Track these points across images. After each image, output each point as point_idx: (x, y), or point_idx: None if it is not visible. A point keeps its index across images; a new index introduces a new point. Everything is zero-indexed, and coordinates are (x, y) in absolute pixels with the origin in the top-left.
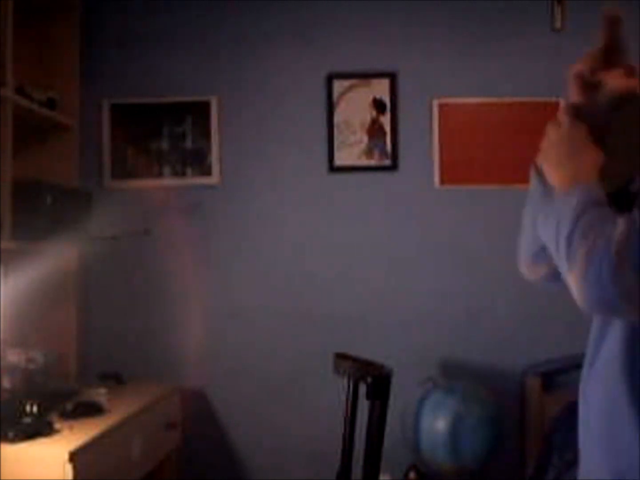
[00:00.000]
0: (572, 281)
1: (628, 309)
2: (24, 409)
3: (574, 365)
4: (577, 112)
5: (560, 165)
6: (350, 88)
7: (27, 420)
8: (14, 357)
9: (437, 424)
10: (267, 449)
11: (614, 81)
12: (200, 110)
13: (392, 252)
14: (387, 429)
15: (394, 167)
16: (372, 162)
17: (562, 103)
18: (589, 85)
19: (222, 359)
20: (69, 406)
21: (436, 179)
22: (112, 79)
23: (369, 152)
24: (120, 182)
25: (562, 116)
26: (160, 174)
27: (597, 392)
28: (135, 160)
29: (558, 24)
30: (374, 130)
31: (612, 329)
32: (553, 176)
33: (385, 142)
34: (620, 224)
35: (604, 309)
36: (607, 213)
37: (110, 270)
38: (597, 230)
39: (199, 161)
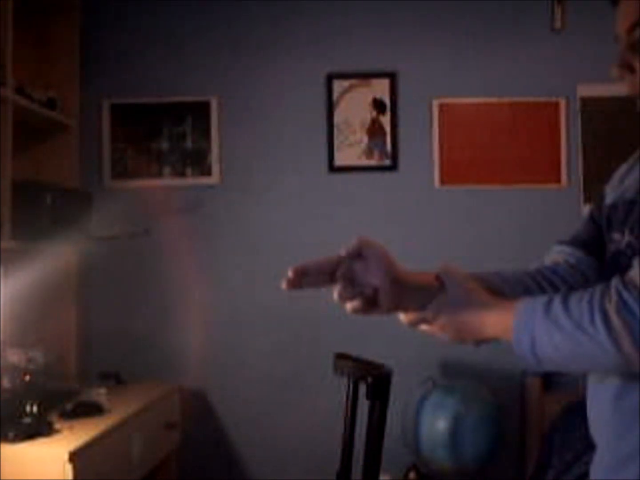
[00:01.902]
0: (629, 346)
1: None
2: (24, 409)
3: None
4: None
5: (467, 328)
6: (350, 88)
7: (27, 420)
8: (14, 357)
9: (437, 424)
10: (267, 449)
11: None
12: (200, 110)
13: (392, 252)
14: (387, 429)
15: (394, 167)
16: (372, 162)
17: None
18: None
19: (222, 359)
20: (69, 406)
21: (436, 179)
22: (112, 79)
23: (369, 152)
24: (120, 182)
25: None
26: (160, 174)
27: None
28: (135, 160)
29: (558, 24)
30: (374, 130)
31: None
32: (481, 335)
33: (385, 142)
34: (635, 266)
35: None
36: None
37: (110, 270)
38: (599, 297)
39: (199, 161)
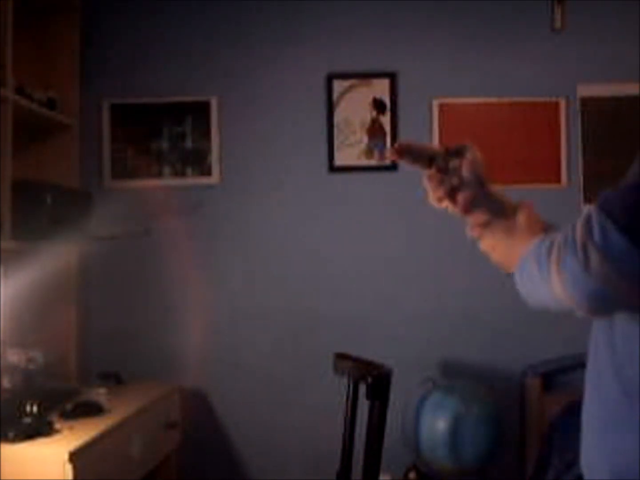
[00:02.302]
0: (561, 294)
1: (617, 294)
2: (24, 409)
3: (574, 365)
4: (467, 207)
5: (511, 253)
6: (350, 88)
7: (27, 420)
8: (14, 357)
9: (437, 424)
10: (267, 449)
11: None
12: (200, 110)
13: (392, 252)
14: (387, 429)
15: (394, 167)
16: (372, 162)
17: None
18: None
19: (222, 359)
20: (69, 406)
21: None
22: (112, 79)
23: (369, 152)
24: (120, 182)
25: (471, 231)
26: (160, 174)
27: (593, 394)
28: (135, 160)
29: (558, 24)
30: (374, 130)
31: (599, 333)
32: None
33: (385, 142)
34: (577, 221)
35: (597, 304)
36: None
37: (110, 270)
38: (556, 242)
39: (199, 161)
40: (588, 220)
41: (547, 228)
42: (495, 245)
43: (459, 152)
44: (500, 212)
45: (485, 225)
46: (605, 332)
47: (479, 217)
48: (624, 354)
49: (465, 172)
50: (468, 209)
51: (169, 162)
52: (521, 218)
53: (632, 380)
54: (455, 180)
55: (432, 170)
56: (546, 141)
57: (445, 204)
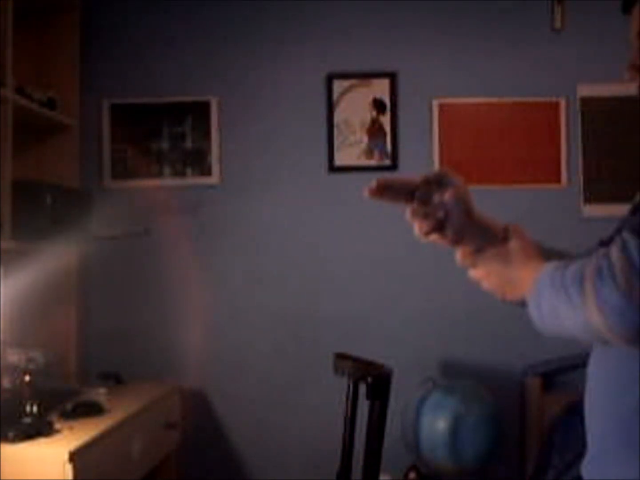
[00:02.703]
0: (601, 326)
1: None
2: (24, 409)
3: (574, 365)
4: (456, 240)
5: (510, 281)
6: (350, 88)
7: (27, 420)
8: (14, 357)
9: (437, 424)
10: (267, 449)
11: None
12: (200, 110)
13: (392, 252)
14: (387, 429)
15: (394, 167)
16: (372, 162)
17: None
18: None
19: (222, 359)
20: (69, 406)
21: None
22: (112, 79)
23: (369, 152)
24: (120, 182)
25: (465, 261)
26: (160, 174)
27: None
28: (135, 160)
29: (558, 24)
30: (374, 130)
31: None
32: (517, 291)
33: (385, 142)
34: (613, 249)
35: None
36: (579, 259)
37: (110, 270)
38: (588, 272)
39: (199, 161)
40: (624, 247)
41: (542, 250)
42: (488, 273)
43: (440, 182)
44: (490, 239)
45: (476, 253)
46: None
47: (468, 246)
48: None
49: (450, 203)
50: (457, 241)
51: (169, 162)
52: (514, 243)
53: None
54: (440, 214)
55: (415, 205)
56: (546, 141)
57: (433, 237)
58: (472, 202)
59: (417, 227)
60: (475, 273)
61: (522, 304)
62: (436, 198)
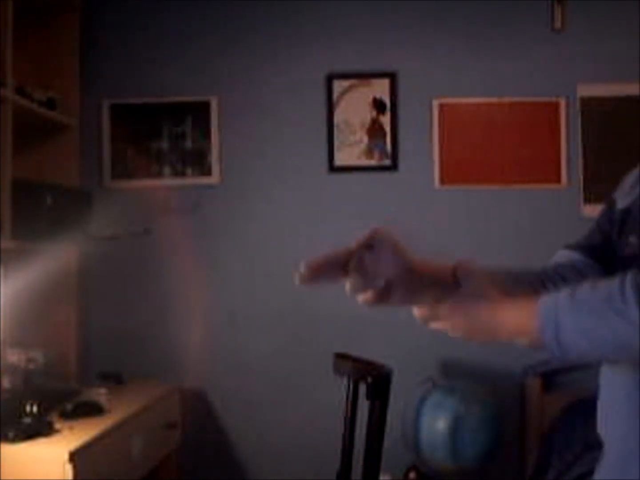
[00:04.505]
0: None
1: None
2: (24, 409)
3: (574, 365)
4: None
5: (483, 328)
6: (350, 88)
7: (27, 420)
8: (14, 357)
9: (437, 424)
10: (267, 449)
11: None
12: (200, 110)
13: None
14: (387, 429)
15: (394, 167)
16: (372, 162)
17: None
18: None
19: (222, 359)
20: (69, 406)
21: (436, 179)
22: (112, 79)
23: (369, 152)
24: (120, 182)
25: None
26: (160, 174)
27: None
28: (135, 160)
29: (558, 24)
30: (374, 130)
31: None
32: (499, 334)
33: (385, 142)
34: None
35: None
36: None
37: (110, 270)
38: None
39: (199, 161)
40: None
41: (495, 280)
42: (455, 325)
43: (370, 246)
44: (441, 288)
45: (433, 305)
46: None
47: (422, 302)
48: None
49: (387, 269)
50: (407, 303)
51: (169, 162)
52: (467, 288)
53: None
54: (379, 282)
55: (351, 279)
56: (546, 141)
57: (381, 304)
58: (410, 257)
59: (361, 300)
60: (439, 325)
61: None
62: (371, 266)
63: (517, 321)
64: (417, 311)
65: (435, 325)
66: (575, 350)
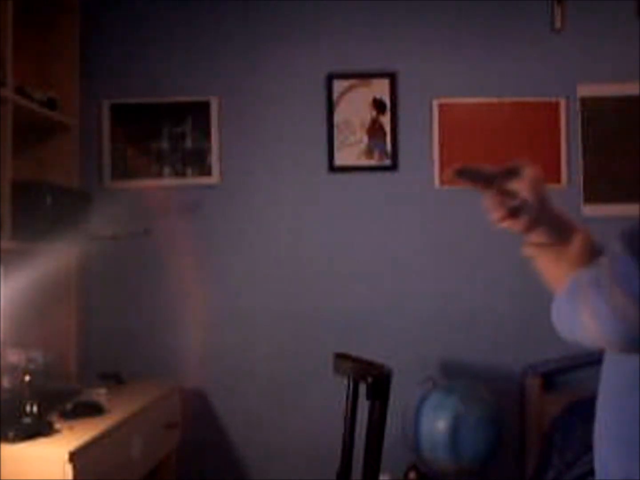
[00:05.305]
0: (594, 333)
1: None
2: (24, 409)
3: (574, 365)
4: (529, 227)
5: (556, 280)
6: (350, 88)
7: (27, 420)
8: (14, 357)
9: (437, 424)
10: (267, 448)
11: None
12: (200, 110)
13: (392, 252)
14: (387, 429)
15: (394, 167)
16: (372, 162)
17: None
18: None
19: (222, 359)
20: (69, 406)
21: (436, 179)
22: (112, 79)
23: (369, 152)
24: (120, 182)
25: (528, 250)
26: (160, 174)
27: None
28: (135, 160)
29: (558, 24)
30: (374, 130)
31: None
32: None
33: (385, 142)
34: (604, 260)
35: (632, 343)
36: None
37: (110, 270)
38: (584, 279)
39: (199, 161)
40: (612, 260)
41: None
42: (545, 268)
43: (516, 172)
44: (559, 235)
45: (542, 246)
46: None
47: (537, 237)
48: None
49: (526, 194)
50: (528, 229)
51: (169, 162)
52: (575, 246)
53: None
54: (516, 202)
55: (492, 192)
56: (546, 141)
57: (507, 223)
58: (547, 196)
59: (493, 216)
60: (537, 264)
61: None
62: (513, 186)
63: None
64: (526, 243)
65: (534, 261)
66: (560, 327)
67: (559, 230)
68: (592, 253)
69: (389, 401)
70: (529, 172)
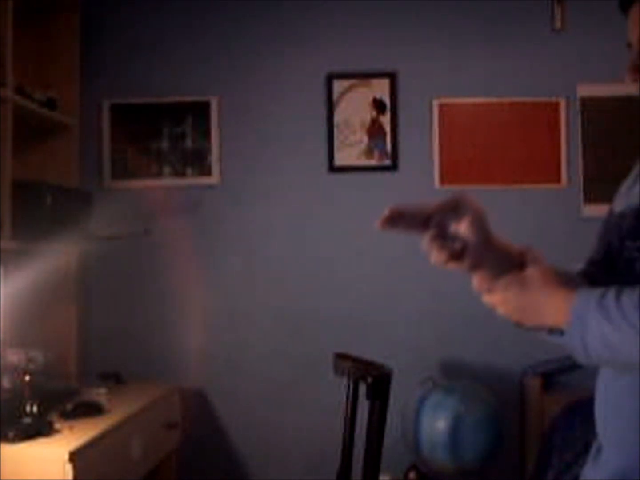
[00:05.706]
0: None
1: None
2: (24, 409)
3: (574, 365)
4: (475, 264)
5: (529, 308)
6: (350, 88)
7: (27, 420)
8: (14, 357)
9: (437, 424)
10: (267, 448)
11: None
12: (200, 110)
13: (392, 252)
14: (387, 429)
15: (394, 167)
16: (372, 162)
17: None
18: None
19: (222, 359)
20: (69, 406)
21: (436, 179)
22: (112, 79)
23: (369, 152)
24: (120, 182)
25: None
26: (160, 174)
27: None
28: (135, 160)
29: (558, 24)
30: (374, 130)
31: None
32: (539, 319)
33: (385, 142)
34: None
35: None
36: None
37: (110, 270)
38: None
39: (199, 161)
40: None
41: (558, 274)
42: (505, 299)
43: (455, 208)
44: (507, 265)
45: (493, 279)
46: None
47: (486, 273)
48: None
49: (468, 234)
50: (474, 269)
51: (169, 162)
52: (532, 269)
53: None
54: (457, 245)
55: (431, 234)
56: (546, 141)
57: (450, 266)
58: (489, 229)
59: (434, 257)
60: (491, 298)
61: (539, 329)
62: (453, 228)
63: (558, 313)
64: (475, 280)
65: (487, 298)
66: (596, 356)
67: (506, 259)
68: (555, 273)
69: (389, 401)
70: (470, 208)
